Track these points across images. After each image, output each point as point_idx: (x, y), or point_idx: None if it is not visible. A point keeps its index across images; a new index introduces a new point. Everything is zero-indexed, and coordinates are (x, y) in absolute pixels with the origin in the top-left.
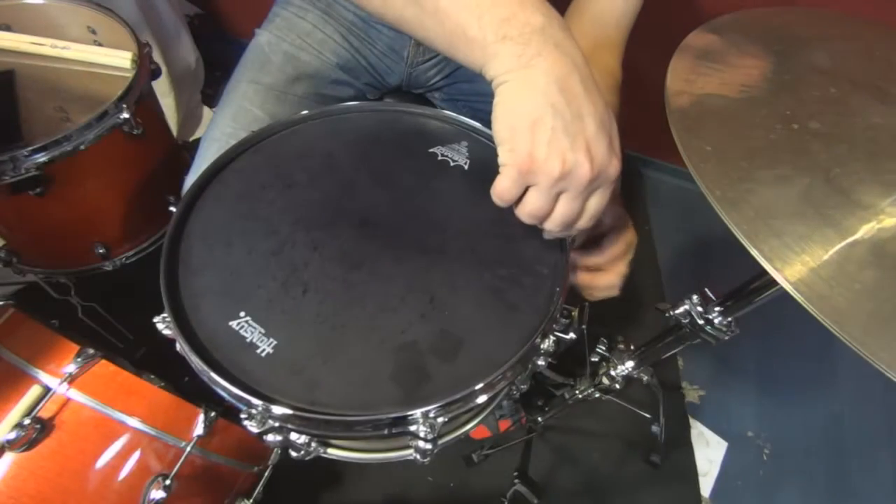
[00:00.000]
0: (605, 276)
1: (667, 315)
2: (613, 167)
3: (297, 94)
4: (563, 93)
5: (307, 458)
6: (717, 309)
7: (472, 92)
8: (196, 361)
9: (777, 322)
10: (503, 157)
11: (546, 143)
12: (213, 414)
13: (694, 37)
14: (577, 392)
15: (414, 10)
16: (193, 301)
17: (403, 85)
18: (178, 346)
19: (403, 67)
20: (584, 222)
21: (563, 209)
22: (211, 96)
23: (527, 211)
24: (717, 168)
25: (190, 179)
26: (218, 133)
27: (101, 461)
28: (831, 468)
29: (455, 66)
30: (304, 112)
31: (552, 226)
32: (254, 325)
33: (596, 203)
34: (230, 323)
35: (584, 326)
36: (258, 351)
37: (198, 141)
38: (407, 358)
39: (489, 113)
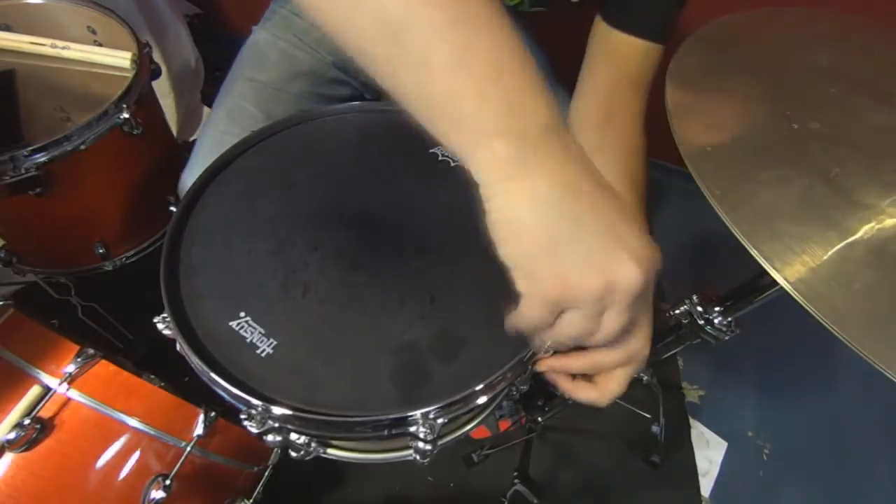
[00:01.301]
0: (587, 388)
1: (667, 315)
2: (656, 257)
3: (293, 91)
4: (575, 192)
5: (307, 458)
6: (717, 309)
7: None
8: (196, 361)
9: (777, 322)
10: (521, 286)
11: (577, 264)
12: (213, 414)
13: (694, 37)
14: None
15: (388, 50)
16: (193, 301)
17: None
18: (178, 346)
19: None
20: (642, 336)
21: (611, 325)
22: (211, 96)
23: (566, 335)
24: (717, 168)
25: (186, 176)
26: (213, 130)
27: (101, 461)
28: (831, 468)
29: None
30: (304, 112)
31: (599, 340)
32: (254, 325)
33: (643, 308)
34: (230, 323)
35: None
36: (258, 351)
37: None
38: (407, 358)
39: None
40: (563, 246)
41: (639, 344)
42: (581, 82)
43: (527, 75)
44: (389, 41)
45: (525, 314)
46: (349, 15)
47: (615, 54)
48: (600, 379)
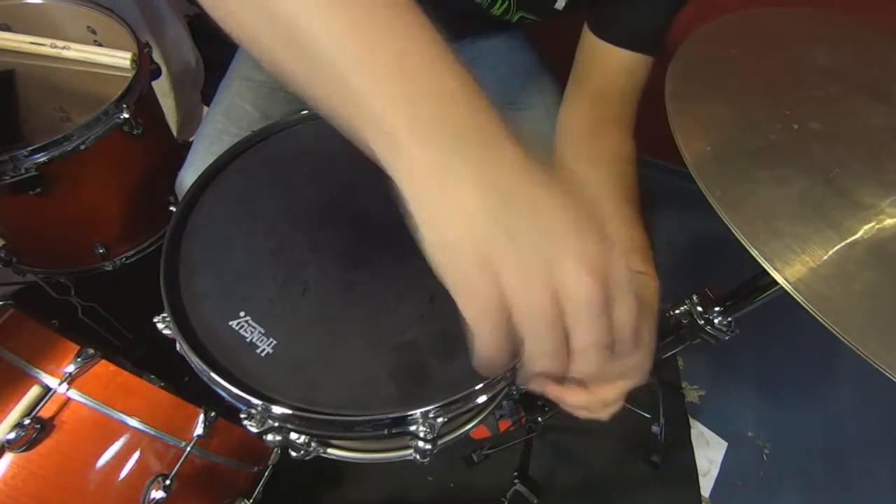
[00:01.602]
0: (576, 391)
1: (667, 315)
2: (617, 258)
3: (289, 91)
4: (508, 200)
5: (307, 458)
6: (717, 309)
7: None
8: (196, 361)
9: (777, 322)
10: (463, 312)
11: (517, 280)
12: (213, 414)
13: (694, 37)
14: None
15: (297, 63)
16: (193, 301)
17: None
18: (178, 346)
19: None
20: (624, 342)
21: (583, 344)
22: (211, 96)
23: (539, 369)
24: (717, 168)
25: (183, 174)
26: (209, 129)
27: (101, 461)
28: (831, 468)
29: None
30: (304, 112)
31: (584, 368)
32: (253, 324)
33: (624, 312)
34: (230, 323)
35: None
36: (258, 351)
37: None
38: (406, 358)
39: None
40: (497, 261)
41: (637, 355)
42: (569, 92)
43: (445, 75)
44: (296, 53)
45: (478, 347)
46: (256, 31)
47: (603, 66)
48: (594, 384)
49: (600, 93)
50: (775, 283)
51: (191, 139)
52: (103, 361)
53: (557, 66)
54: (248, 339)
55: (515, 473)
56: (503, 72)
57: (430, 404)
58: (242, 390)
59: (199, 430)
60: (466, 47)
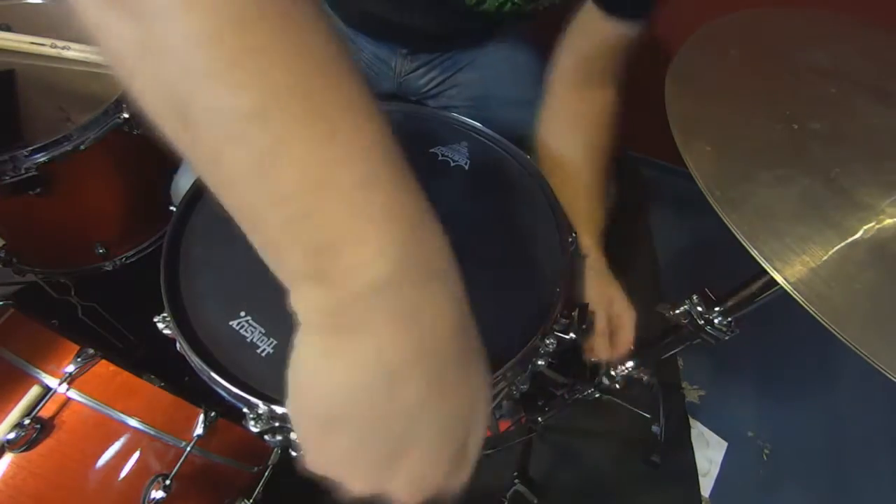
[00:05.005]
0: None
1: (667, 315)
2: (454, 482)
3: None
4: (390, 392)
5: None
6: (717, 309)
7: (460, 97)
8: (196, 361)
9: (777, 322)
10: (305, 459)
11: (343, 456)
12: (213, 414)
13: (695, 37)
14: (576, 392)
15: (181, 133)
16: (193, 301)
17: (397, 92)
18: (178, 346)
19: (393, 76)
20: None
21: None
22: None
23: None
24: (717, 168)
25: (180, 178)
26: None
27: (101, 461)
28: (831, 468)
29: (446, 74)
30: None
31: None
32: (254, 324)
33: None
34: (230, 322)
35: (584, 326)
36: (259, 350)
37: None
38: None
39: (482, 119)
40: (338, 430)
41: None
42: (557, 54)
43: (358, 202)
44: (180, 121)
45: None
46: (146, 87)
47: (592, 29)
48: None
49: (586, 52)
50: (775, 283)
51: None
52: (103, 361)
53: None
54: (248, 339)
55: (515, 473)
56: (505, 69)
57: None
58: (243, 390)
59: (199, 430)
60: (468, 50)
